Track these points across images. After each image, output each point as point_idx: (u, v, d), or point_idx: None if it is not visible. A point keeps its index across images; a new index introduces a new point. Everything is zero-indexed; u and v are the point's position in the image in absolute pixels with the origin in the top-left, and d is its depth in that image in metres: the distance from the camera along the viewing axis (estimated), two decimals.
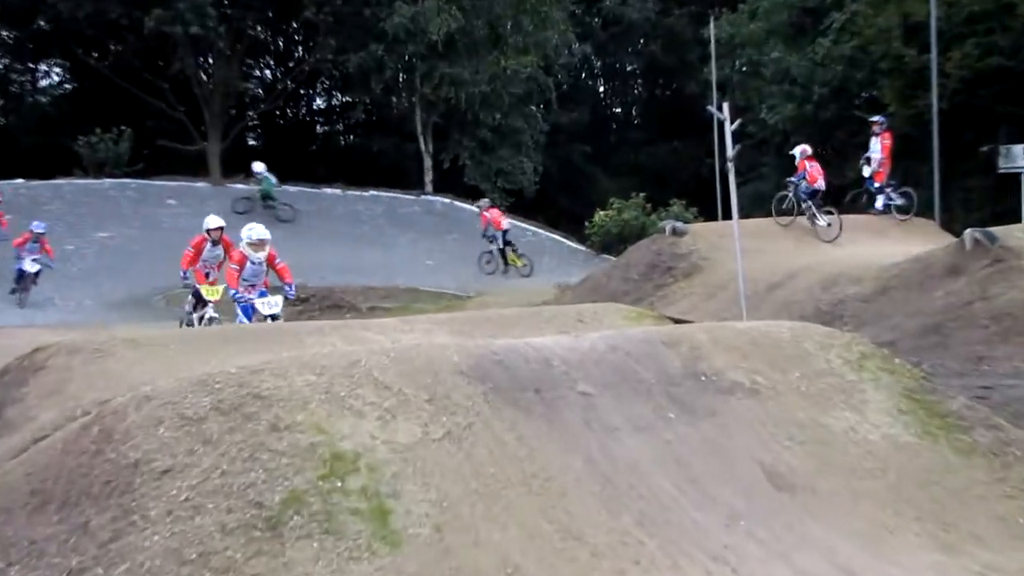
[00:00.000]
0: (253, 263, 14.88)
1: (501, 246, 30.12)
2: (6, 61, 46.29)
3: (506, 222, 30.79)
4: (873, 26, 32.91)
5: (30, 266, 24.62)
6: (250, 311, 14.73)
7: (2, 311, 24.39)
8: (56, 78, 48.57)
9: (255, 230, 15.08)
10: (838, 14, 35.11)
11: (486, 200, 32.76)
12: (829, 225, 20.69)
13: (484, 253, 30.36)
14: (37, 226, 25.38)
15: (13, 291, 24.98)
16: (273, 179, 35.94)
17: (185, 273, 16.34)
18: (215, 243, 16.23)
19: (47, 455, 6.55)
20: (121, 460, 6.09)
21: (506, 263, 30.16)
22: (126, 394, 6.91)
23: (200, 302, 16.27)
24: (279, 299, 14.90)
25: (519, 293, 25.42)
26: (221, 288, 15.99)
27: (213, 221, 16.55)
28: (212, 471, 5.95)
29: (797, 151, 22.63)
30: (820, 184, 21.41)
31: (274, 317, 14.56)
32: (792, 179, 21.83)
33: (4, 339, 18.80)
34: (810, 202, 21.21)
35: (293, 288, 15.45)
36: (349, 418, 6.50)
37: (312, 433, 6.27)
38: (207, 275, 16.54)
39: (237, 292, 14.86)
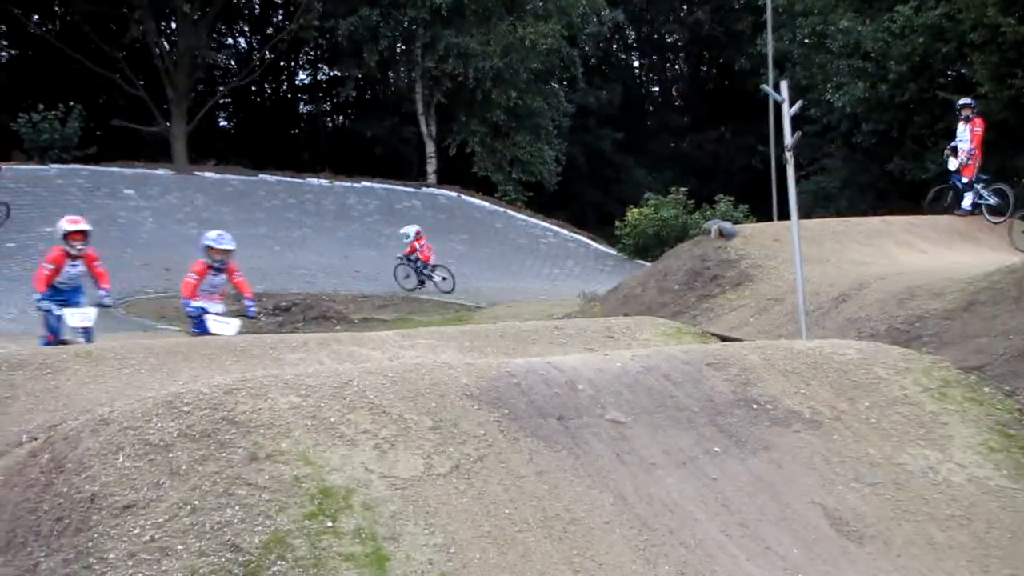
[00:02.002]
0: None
1: (420, 272, 30.61)
2: None
3: (435, 259, 31.19)
4: None
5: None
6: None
7: None
8: None
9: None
10: None
11: (416, 227, 32.97)
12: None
13: (402, 267, 30.74)
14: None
15: None
16: None
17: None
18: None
19: None
20: (75, 493, 6.17)
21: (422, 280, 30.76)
22: (80, 417, 7.01)
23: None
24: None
25: (538, 304, 25.49)
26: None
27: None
28: (181, 507, 6.03)
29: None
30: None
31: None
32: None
33: None
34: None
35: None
36: (340, 448, 6.58)
37: (297, 464, 6.35)
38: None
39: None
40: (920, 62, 35.54)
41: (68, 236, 14.17)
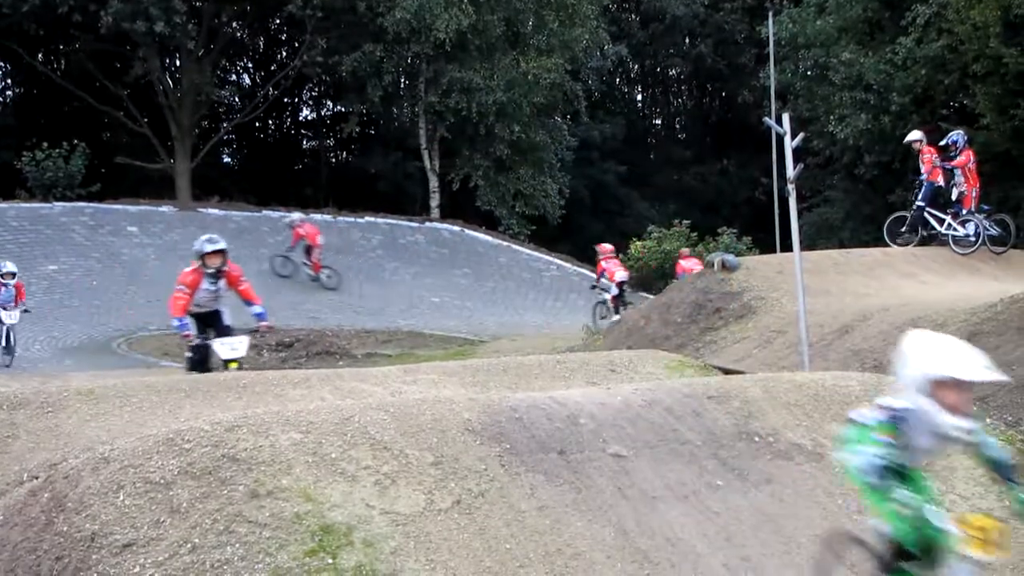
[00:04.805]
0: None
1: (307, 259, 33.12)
2: None
3: (321, 239, 32.44)
4: (966, 21, 32.93)
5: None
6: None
7: None
8: None
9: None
10: (923, 7, 35.11)
11: (299, 215, 33.84)
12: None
13: (277, 257, 33.23)
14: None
15: None
16: None
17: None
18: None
19: None
20: (75, 533, 6.18)
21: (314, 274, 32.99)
22: (80, 455, 7.01)
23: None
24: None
25: (541, 338, 25.50)
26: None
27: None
28: (181, 545, 6.03)
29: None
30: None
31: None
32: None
33: None
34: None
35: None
36: (341, 484, 6.58)
37: (298, 501, 6.35)
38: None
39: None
40: (922, 93, 35.65)
41: (206, 256, 13.41)
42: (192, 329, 13.54)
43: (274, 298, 31.64)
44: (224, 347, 13.36)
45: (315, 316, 30.07)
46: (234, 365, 13.20)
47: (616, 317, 27.21)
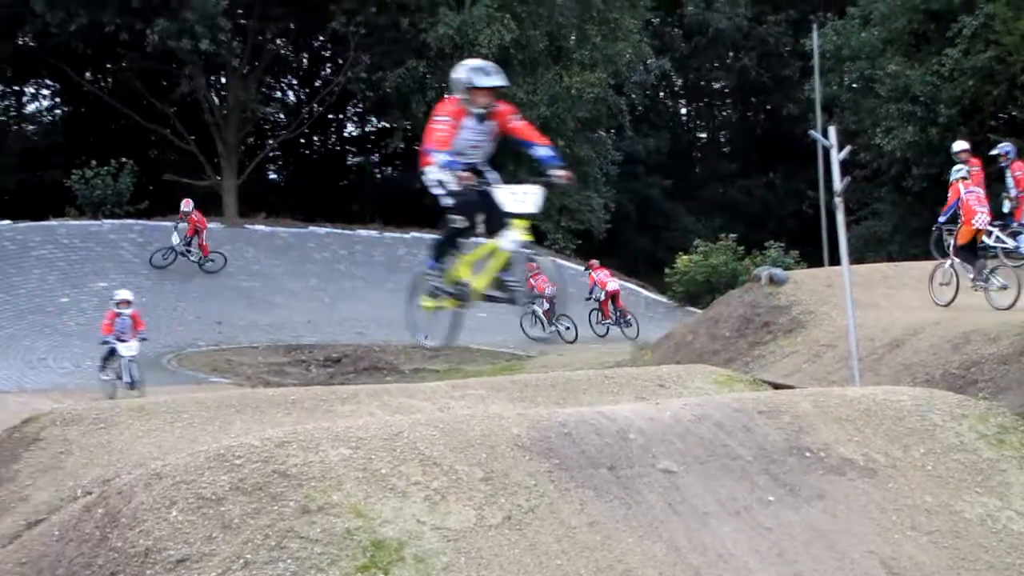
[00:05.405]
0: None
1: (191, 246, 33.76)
2: None
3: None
4: (1014, 32, 32.75)
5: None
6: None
7: None
8: (44, 103, 49.57)
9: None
10: (969, 18, 34.92)
11: (189, 203, 34.52)
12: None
13: (158, 255, 33.70)
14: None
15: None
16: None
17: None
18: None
19: (43, 542, 6.71)
20: (129, 548, 6.22)
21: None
22: (133, 471, 7.07)
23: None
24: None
25: (590, 353, 25.45)
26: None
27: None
28: (233, 561, 6.06)
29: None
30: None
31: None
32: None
33: None
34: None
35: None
36: (391, 500, 6.59)
37: (348, 517, 6.37)
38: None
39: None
40: (970, 105, 35.43)
41: (475, 92, 9.49)
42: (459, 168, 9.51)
43: (321, 313, 31.85)
44: (510, 196, 9.66)
45: (362, 332, 30.14)
46: (520, 229, 9.72)
47: (553, 327, 29.51)
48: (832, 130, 13.69)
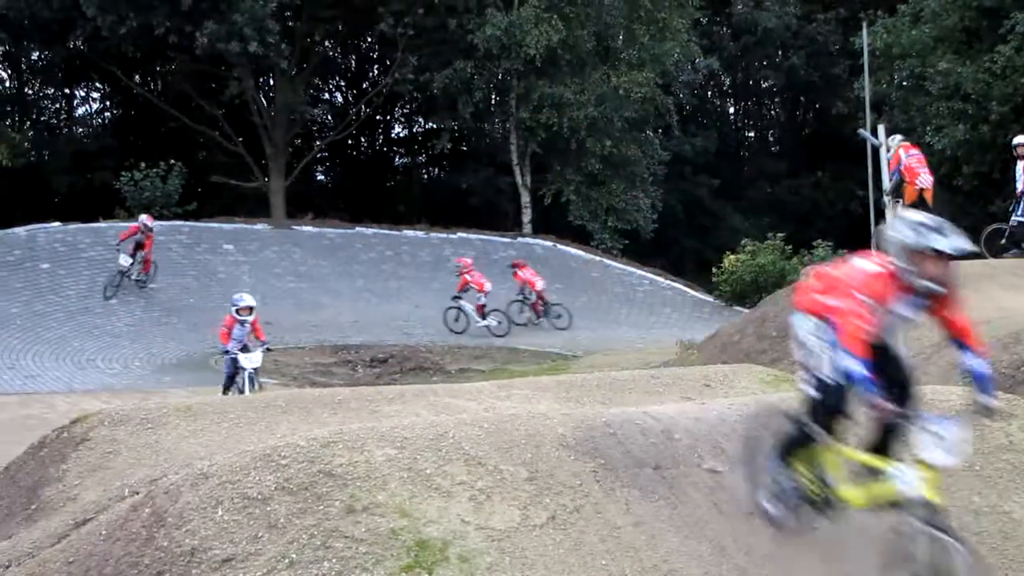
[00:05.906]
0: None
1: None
2: (35, 86, 47.74)
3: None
4: None
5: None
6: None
7: (37, 374, 25.10)
8: (94, 105, 50.07)
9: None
10: (1021, 15, 34.57)
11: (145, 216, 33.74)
12: None
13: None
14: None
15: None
16: None
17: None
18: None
19: (90, 541, 6.76)
20: (175, 547, 6.27)
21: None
22: (180, 471, 7.11)
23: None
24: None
25: (635, 353, 25.42)
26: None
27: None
28: (279, 560, 6.09)
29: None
30: None
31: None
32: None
33: (39, 408, 19.43)
34: None
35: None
36: (436, 499, 6.60)
37: (394, 517, 6.38)
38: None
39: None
40: (1023, 102, 35.01)
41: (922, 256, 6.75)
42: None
43: (367, 313, 31.96)
44: (934, 439, 6.49)
45: (408, 332, 30.23)
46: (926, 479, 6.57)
47: (485, 322, 30.52)
48: (881, 129, 13.64)
